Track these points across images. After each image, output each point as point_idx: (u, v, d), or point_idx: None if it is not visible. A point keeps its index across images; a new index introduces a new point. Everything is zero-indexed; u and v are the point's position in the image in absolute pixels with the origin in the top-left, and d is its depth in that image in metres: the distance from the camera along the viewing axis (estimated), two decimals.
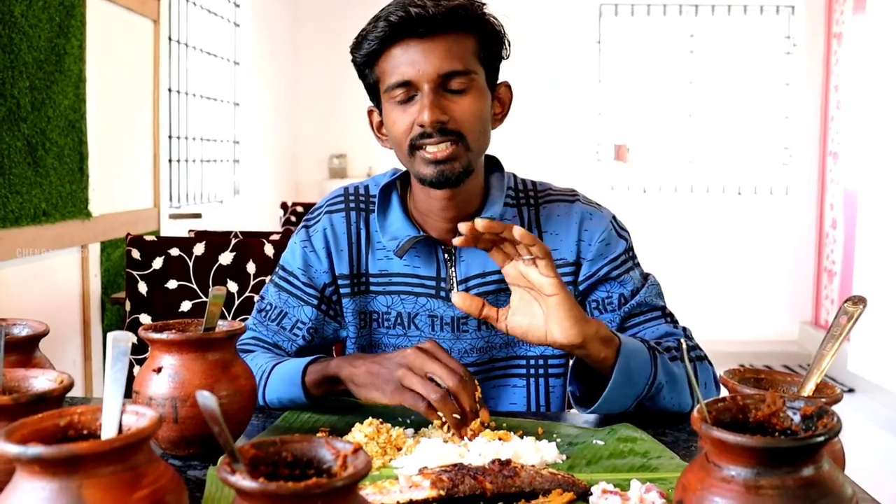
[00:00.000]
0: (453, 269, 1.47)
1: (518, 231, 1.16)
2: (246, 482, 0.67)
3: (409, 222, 1.47)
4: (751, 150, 6.41)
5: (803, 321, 6.29)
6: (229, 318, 2.14)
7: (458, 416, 1.19)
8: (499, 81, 1.47)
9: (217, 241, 2.14)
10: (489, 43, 1.41)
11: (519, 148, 5.90)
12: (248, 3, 5.35)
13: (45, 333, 1.20)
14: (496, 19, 1.42)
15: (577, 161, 6.38)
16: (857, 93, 5.50)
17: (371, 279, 1.50)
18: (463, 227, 1.17)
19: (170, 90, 4.07)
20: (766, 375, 1.05)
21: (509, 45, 1.45)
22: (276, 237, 2.22)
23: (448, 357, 1.24)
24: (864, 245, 5.25)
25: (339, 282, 1.50)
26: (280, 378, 1.37)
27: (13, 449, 0.69)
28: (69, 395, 0.96)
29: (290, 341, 1.51)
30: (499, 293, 1.47)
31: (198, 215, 4.11)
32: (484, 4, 1.40)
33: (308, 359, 1.37)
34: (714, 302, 6.38)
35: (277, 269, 1.56)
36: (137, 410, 0.78)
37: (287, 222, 4.25)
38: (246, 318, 2.11)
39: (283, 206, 4.30)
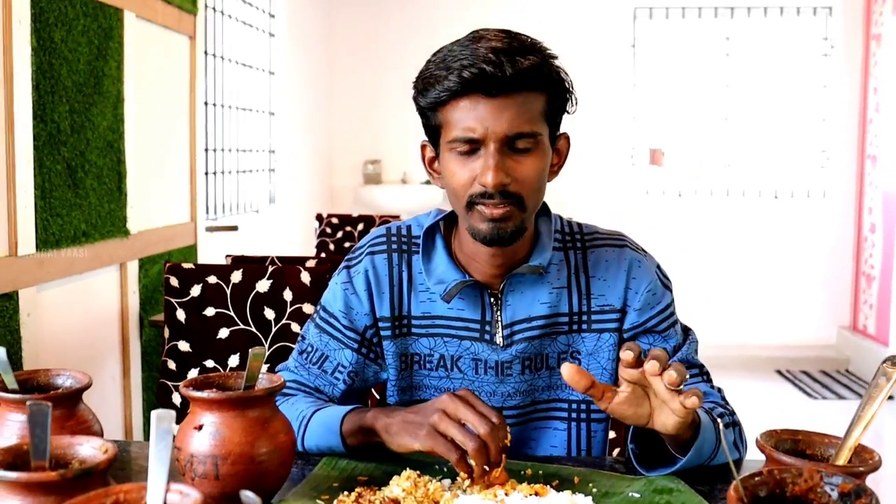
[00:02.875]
0: (499, 313, 1.46)
1: (670, 378, 1.15)
2: None
3: (454, 265, 1.46)
4: (787, 154, 6.35)
5: (841, 326, 6.23)
6: (266, 345, 2.16)
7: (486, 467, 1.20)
8: (559, 132, 1.44)
9: (254, 268, 2.16)
10: (557, 99, 1.38)
11: None
12: (283, 14, 5.38)
13: (87, 386, 1.22)
14: (567, 75, 1.39)
15: (611, 165, 6.36)
16: None
17: (413, 321, 1.49)
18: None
19: (206, 103, 4.11)
20: (803, 437, 1.04)
21: (576, 102, 1.42)
22: (311, 263, 2.24)
23: (482, 404, 1.25)
24: None
25: (381, 324, 1.50)
26: (319, 426, 1.38)
27: None
28: (109, 435, 0.98)
29: (331, 385, 1.52)
30: (542, 338, 1.47)
31: (234, 227, 4.14)
32: (556, 58, 1.37)
33: (347, 408, 1.38)
34: (751, 307, 6.34)
35: (318, 308, 1.55)
36: (181, 490, 0.80)
37: (322, 234, 4.28)
38: (283, 345, 2.13)
39: (319, 217, 4.33)
